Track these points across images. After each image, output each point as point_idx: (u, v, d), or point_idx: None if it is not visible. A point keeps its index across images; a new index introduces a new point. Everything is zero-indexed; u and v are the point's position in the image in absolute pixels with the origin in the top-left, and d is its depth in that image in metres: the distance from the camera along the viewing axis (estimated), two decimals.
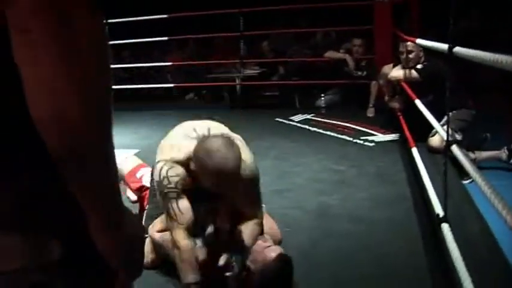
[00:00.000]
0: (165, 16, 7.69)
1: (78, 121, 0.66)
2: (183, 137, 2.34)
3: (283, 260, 2.29)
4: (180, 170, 2.27)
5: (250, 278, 2.30)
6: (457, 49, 2.16)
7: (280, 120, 6.27)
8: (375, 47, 6.92)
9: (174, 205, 2.30)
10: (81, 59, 0.65)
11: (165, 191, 2.28)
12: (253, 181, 2.37)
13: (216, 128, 2.42)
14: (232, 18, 7.55)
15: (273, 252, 2.31)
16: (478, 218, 2.99)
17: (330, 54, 7.17)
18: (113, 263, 0.80)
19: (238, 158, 2.14)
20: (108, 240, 0.77)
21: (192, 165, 2.21)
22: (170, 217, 2.30)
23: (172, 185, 2.27)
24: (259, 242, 2.40)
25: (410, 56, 4.81)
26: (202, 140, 2.18)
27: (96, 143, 0.70)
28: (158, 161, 2.33)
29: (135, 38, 8.07)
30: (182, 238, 2.27)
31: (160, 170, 2.28)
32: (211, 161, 2.10)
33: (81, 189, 0.73)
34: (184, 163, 2.26)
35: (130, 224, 0.81)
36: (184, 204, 2.29)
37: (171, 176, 2.27)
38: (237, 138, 2.37)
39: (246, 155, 2.31)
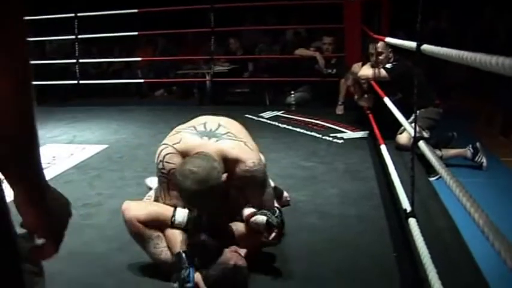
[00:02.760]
0: (135, 11, 7.62)
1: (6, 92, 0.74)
2: (190, 129, 2.42)
3: (234, 271, 2.28)
4: (177, 159, 2.32)
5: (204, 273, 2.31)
6: (425, 46, 2.20)
7: (250, 116, 6.27)
8: (345, 45, 6.98)
9: (164, 191, 2.41)
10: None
11: (159, 174, 2.35)
12: (254, 181, 2.37)
13: (226, 125, 2.47)
14: (203, 14, 7.52)
15: (233, 260, 2.30)
16: (443, 213, 3.06)
17: (300, 51, 7.21)
18: (38, 234, 0.87)
19: (210, 181, 2.16)
20: (33, 212, 0.84)
21: (173, 178, 2.27)
22: (158, 200, 2.45)
23: (165, 171, 2.35)
24: (234, 246, 2.42)
25: (380, 57, 4.87)
26: (185, 160, 2.24)
27: (22, 114, 0.78)
28: (163, 143, 2.40)
29: (103, 33, 7.98)
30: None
31: (160, 152, 2.36)
32: (181, 184, 2.18)
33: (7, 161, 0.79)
34: (184, 154, 2.31)
35: (54, 197, 0.89)
36: (173, 193, 2.37)
37: (167, 162, 2.33)
38: (240, 141, 2.40)
39: (244, 156, 2.32)
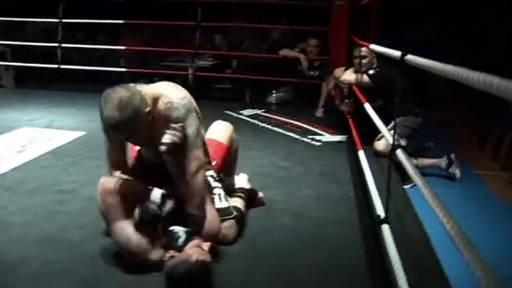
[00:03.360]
0: None
1: None
2: None
3: (198, 267, 2.21)
4: None
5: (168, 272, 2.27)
6: (409, 57, 2.23)
7: (230, 113, 6.27)
8: (330, 48, 7.01)
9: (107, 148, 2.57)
10: None
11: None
12: (177, 115, 2.42)
13: (155, 87, 2.52)
14: (190, 8, 7.49)
15: (195, 255, 2.24)
16: (416, 221, 3.09)
17: (285, 52, 7.24)
18: None
19: (130, 104, 2.18)
20: None
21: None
22: None
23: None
24: (196, 241, 2.39)
25: (364, 61, 4.90)
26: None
27: None
28: None
29: (90, 19, 7.91)
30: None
31: None
32: (102, 110, 2.22)
33: None
34: None
35: None
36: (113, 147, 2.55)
37: None
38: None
39: (168, 93, 2.45)
